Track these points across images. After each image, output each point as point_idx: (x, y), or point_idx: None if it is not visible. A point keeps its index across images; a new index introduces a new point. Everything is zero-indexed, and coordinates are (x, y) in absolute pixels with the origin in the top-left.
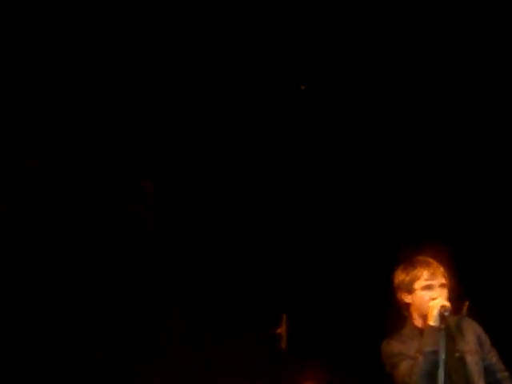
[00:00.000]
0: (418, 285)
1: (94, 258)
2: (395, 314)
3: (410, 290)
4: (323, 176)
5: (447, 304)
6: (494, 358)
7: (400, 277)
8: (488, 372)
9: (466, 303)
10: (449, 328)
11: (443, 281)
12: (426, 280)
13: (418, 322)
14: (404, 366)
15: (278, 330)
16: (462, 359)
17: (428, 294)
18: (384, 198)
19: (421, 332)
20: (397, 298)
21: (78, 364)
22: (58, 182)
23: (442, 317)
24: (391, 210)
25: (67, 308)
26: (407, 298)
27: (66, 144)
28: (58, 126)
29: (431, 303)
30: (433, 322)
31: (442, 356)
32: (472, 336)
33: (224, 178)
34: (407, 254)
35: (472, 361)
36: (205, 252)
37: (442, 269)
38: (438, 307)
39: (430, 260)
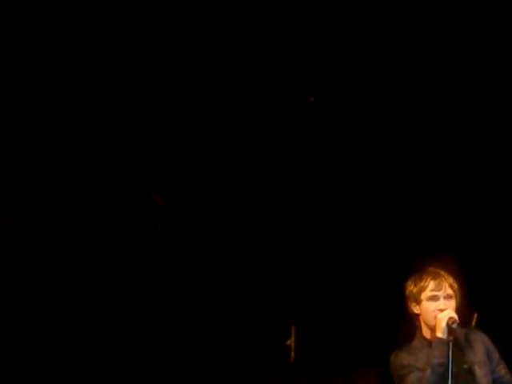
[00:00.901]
0: (424, 295)
1: (106, 269)
2: (407, 326)
3: (418, 301)
4: (334, 186)
5: (455, 316)
6: (502, 371)
7: (409, 287)
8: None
9: (475, 315)
10: (457, 340)
11: (449, 292)
12: (432, 291)
13: (427, 334)
14: (412, 378)
15: (288, 342)
16: (470, 371)
17: (433, 304)
18: (397, 209)
19: (429, 344)
20: (407, 309)
21: None
22: (70, 194)
23: (450, 329)
24: (403, 220)
25: (78, 321)
26: (416, 309)
27: (79, 156)
28: (70, 138)
29: (439, 315)
30: (441, 333)
31: (450, 368)
32: (481, 348)
33: (231, 190)
34: (420, 264)
35: (481, 373)
36: (214, 263)
37: (450, 280)
38: (446, 319)
39: (439, 271)
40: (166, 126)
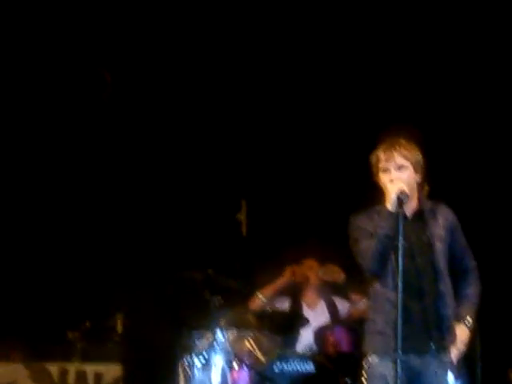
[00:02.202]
0: (378, 167)
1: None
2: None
3: (376, 172)
4: None
5: (405, 188)
6: (462, 248)
7: (370, 159)
8: (455, 259)
9: (426, 188)
10: (422, 211)
11: (402, 162)
12: (383, 162)
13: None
14: (364, 245)
15: (239, 216)
16: (429, 243)
17: (386, 176)
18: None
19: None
20: (373, 179)
21: None
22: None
23: (399, 201)
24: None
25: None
26: (377, 179)
27: None
28: None
29: (389, 186)
30: (390, 205)
31: (401, 241)
32: (445, 222)
33: None
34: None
35: (440, 246)
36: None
37: (403, 151)
38: (396, 191)
39: (391, 142)
40: None
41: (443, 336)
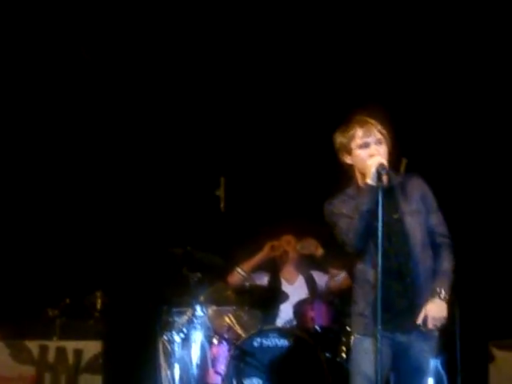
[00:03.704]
0: (354, 144)
1: None
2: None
3: (349, 151)
4: None
5: (384, 162)
6: (434, 220)
7: (338, 139)
8: (428, 234)
9: (404, 161)
10: (392, 188)
11: (379, 136)
12: (361, 138)
13: (361, 182)
14: (343, 223)
15: (218, 192)
16: (400, 221)
17: (365, 151)
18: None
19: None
20: (340, 161)
21: None
22: None
23: (379, 175)
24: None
25: None
26: (348, 159)
27: None
28: None
29: (369, 161)
30: (371, 180)
31: (381, 216)
32: (416, 195)
33: None
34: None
35: (411, 222)
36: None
37: (378, 126)
38: (376, 165)
39: (366, 118)
40: None
41: None
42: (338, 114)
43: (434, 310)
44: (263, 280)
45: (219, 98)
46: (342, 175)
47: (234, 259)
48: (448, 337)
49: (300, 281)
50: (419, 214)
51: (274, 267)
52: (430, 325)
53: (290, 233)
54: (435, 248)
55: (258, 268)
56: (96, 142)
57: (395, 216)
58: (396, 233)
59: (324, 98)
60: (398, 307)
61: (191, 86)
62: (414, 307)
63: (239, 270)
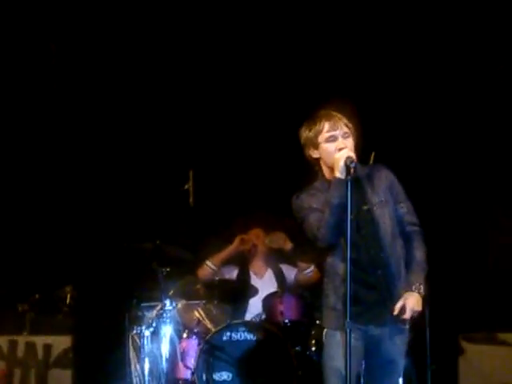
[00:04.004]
0: (321, 138)
1: None
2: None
3: (316, 145)
4: None
5: (353, 155)
6: (403, 210)
7: (304, 133)
8: (398, 224)
9: (372, 153)
10: (359, 179)
11: (346, 130)
12: (328, 132)
13: (329, 176)
14: (312, 219)
15: (186, 186)
16: (370, 212)
17: (333, 145)
18: None
19: (330, 185)
20: (306, 156)
21: None
22: None
23: (348, 168)
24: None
25: None
26: (315, 154)
27: None
28: None
29: (337, 155)
30: (339, 173)
31: (350, 207)
32: (383, 185)
33: None
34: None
35: (380, 213)
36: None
37: (344, 120)
38: (344, 158)
39: (332, 112)
40: None
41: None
42: (305, 108)
43: (412, 303)
44: (232, 274)
45: (186, 92)
46: (309, 169)
47: (203, 253)
48: (418, 330)
49: (269, 274)
50: (387, 205)
51: (243, 261)
52: (407, 315)
53: (258, 226)
54: (406, 237)
55: (228, 262)
56: (64, 137)
57: (364, 207)
58: (366, 224)
59: (290, 93)
60: (371, 300)
61: (158, 79)
62: (387, 299)
63: (209, 263)
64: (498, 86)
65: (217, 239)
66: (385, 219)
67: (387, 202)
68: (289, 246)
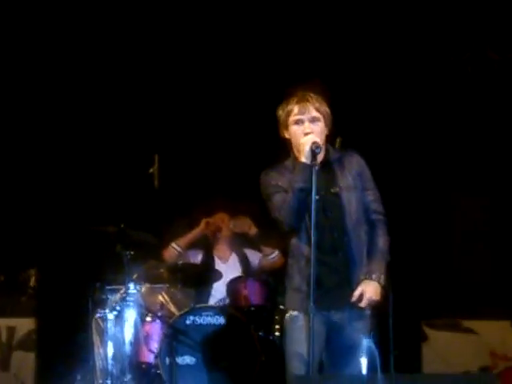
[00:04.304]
0: (291, 120)
1: None
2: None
3: (286, 126)
4: None
5: (318, 140)
6: (369, 197)
7: (278, 112)
8: (364, 210)
9: (338, 139)
10: (330, 162)
11: (315, 114)
12: (297, 115)
13: (299, 158)
14: (277, 199)
15: (151, 170)
16: (337, 195)
17: (299, 128)
18: None
19: None
20: (279, 134)
21: None
22: None
23: (313, 153)
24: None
25: None
26: (286, 134)
27: None
28: None
29: (302, 139)
30: (304, 158)
31: (314, 194)
32: (354, 171)
33: None
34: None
35: (348, 197)
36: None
37: (316, 104)
38: (310, 143)
39: (306, 94)
40: None
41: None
42: (272, 91)
43: (370, 291)
44: (197, 257)
45: (152, 76)
46: (279, 151)
47: (168, 236)
48: (381, 316)
49: (233, 259)
50: (355, 190)
51: (207, 245)
52: (364, 304)
53: (223, 210)
54: (370, 225)
55: (193, 244)
56: (27, 119)
57: (333, 190)
58: (332, 207)
59: (260, 74)
60: (330, 283)
61: (123, 64)
62: (346, 283)
63: (174, 245)
64: (454, 71)
65: (181, 223)
66: (351, 203)
67: (355, 188)
68: (253, 230)
